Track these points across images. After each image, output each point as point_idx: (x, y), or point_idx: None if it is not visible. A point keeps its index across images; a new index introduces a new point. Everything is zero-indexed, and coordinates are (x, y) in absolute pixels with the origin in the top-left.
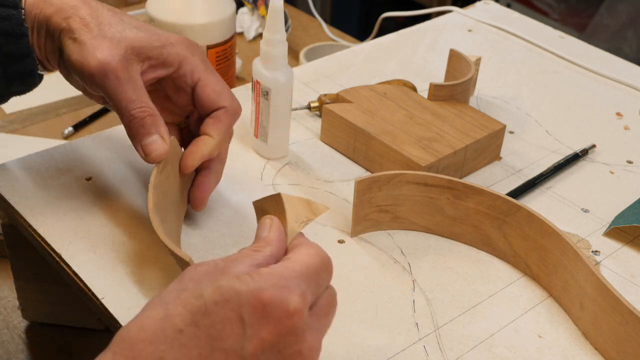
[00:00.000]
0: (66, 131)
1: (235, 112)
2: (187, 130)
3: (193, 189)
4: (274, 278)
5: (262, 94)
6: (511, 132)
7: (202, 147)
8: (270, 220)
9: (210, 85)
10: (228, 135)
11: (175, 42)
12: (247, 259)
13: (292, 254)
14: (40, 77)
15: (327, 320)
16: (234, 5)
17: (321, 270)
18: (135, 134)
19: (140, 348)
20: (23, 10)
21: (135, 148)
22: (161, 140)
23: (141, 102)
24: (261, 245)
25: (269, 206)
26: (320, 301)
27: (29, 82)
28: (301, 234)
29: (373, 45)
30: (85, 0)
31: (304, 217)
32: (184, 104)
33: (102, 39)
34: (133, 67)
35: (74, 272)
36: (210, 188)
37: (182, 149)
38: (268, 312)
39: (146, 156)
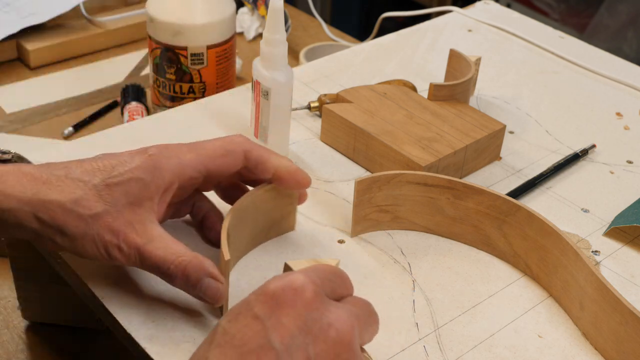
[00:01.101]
0: (66, 131)
1: (246, 141)
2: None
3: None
4: (276, 277)
5: (262, 94)
6: (511, 132)
7: (290, 165)
8: None
9: (215, 155)
10: (263, 147)
11: (153, 163)
12: None
13: None
14: None
15: (358, 310)
16: (234, 5)
17: (329, 273)
18: (187, 287)
19: None
20: None
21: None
22: (211, 280)
23: (174, 255)
24: None
25: None
26: (339, 293)
27: None
28: None
29: (373, 45)
30: (34, 177)
31: None
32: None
33: (99, 219)
34: (147, 224)
35: (74, 272)
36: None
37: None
38: (279, 300)
39: (211, 302)
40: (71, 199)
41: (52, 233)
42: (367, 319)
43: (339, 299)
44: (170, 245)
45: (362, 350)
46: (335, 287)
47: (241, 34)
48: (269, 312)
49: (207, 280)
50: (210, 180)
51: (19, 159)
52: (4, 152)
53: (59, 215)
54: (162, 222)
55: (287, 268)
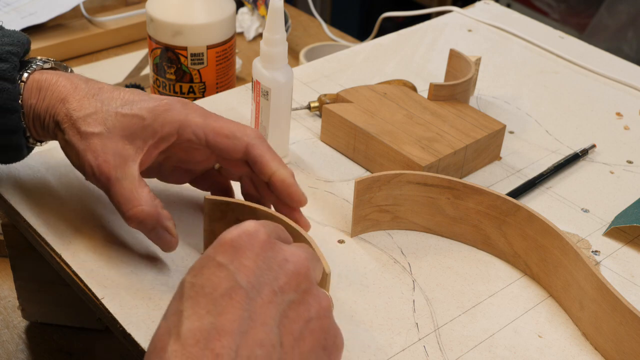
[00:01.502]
0: None
1: (256, 137)
2: (220, 172)
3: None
4: (230, 229)
5: (262, 94)
6: (511, 132)
7: (288, 177)
8: None
9: (220, 132)
10: (272, 150)
11: (163, 110)
12: None
13: None
14: (29, 150)
15: (305, 249)
16: (234, 5)
17: (273, 224)
18: (142, 231)
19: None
20: (23, 84)
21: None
22: (165, 232)
23: (135, 201)
24: None
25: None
26: (284, 240)
27: (13, 156)
28: None
29: (373, 45)
30: (74, 87)
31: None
32: (201, 159)
33: (90, 138)
34: (127, 161)
35: (74, 272)
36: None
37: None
38: (236, 245)
39: (163, 250)
40: (82, 114)
41: (60, 134)
42: (314, 257)
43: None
44: (137, 188)
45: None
46: (280, 234)
47: (241, 34)
48: (230, 258)
49: (160, 231)
50: (210, 156)
51: (58, 65)
52: (45, 61)
53: (67, 122)
54: (149, 167)
55: (207, 203)
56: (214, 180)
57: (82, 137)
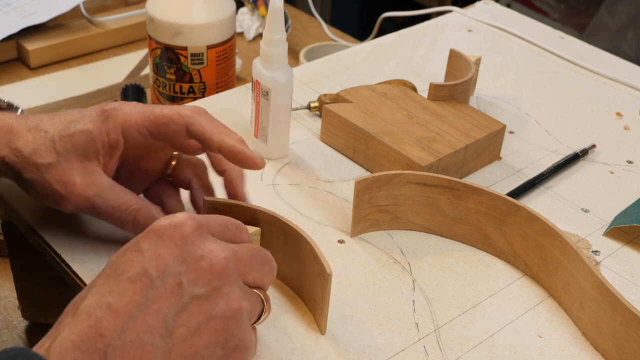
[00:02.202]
0: None
1: (194, 114)
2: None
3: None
4: (163, 217)
5: (262, 94)
6: (511, 132)
7: (236, 144)
8: None
9: (158, 122)
10: (212, 122)
11: (103, 119)
12: None
13: None
14: None
15: (242, 249)
16: (234, 5)
17: (224, 220)
18: (137, 232)
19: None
20: None
21: None
22: None
23: (124, 205)
24: None
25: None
26: (229, 238)
27: None
28: None
29: (373, 45)
30: (9, 127)
31: None
32: (158, 150)
33: (49, 169)
34: (94, 175)
35: (74, 272)
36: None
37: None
38: (160, 234)
39: None
40: (31, 149)
41: (14, 175)
42: (253, 259)
43: (228, 242)
44: (120, 195)
45: (262, 293)
46: (226, 231)
47: (241, 34)
48: (150, 245)
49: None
50: (164, 147)
51: (8, 106)
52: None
53: (20, 161)
54: (114, 174)
55: (206, 204)
56: (164, 189)
57: (40, 170)
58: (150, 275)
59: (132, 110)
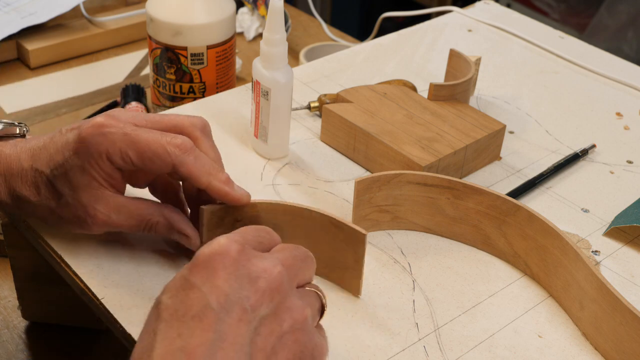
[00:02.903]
0: None
1: (181, 153)
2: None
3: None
4: (203, 247)
5: (262, 94)
6: (511, 132)
7: (221, 188)
8: None
9: (144, 155)
10: (199, 160)
11: (85, 149)
12: None
13: None
14: None
15: (286, 254)
16: (234, 5)
17: (253, 229)
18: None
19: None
20: None
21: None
22: (181, 235)
23: (140, 222)
24: None
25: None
26: (267, 245)
27: None
28: None
29: (373, 45)
30: (9, 165)
31: None
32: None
33: (58, 210)
34: (108, 200)
35: (74, 272)
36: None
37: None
38: (209, 266)
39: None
40: (33, 194)
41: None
42: (297, 260)
43: (268, 249)
44: (134, 212)
45: (314, 287)
46: (261, 239)
47: (241, 34)
48: (203, 279)
49: (176, 235)
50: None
51: (10, 125)
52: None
53: (30, 207)
54: (123, 189)
55: (201, 212)
56: (166, 186)
57: (52, 211)
58: (214, 309)
59: (117, 132)
